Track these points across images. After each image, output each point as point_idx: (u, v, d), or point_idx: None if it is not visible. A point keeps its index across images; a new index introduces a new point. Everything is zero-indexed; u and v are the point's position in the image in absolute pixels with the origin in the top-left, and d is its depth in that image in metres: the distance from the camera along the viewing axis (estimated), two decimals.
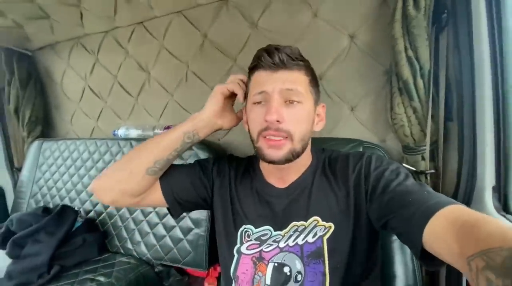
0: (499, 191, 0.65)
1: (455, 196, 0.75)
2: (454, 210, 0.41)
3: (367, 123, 0.99)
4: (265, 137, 0.55)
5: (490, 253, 0.30)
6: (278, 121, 0.54)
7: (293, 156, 0.56)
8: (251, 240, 0.62)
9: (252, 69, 0.60)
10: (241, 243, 0.63)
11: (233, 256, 0.63)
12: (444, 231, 0.38)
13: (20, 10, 1.28)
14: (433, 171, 0.80)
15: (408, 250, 0.78)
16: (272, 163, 0.57)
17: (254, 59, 0.59)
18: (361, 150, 0.88)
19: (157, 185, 0.66)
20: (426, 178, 0.81)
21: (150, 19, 1.28)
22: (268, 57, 0.56)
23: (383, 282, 0.74)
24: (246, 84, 0.63)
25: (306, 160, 0.65)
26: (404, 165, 0.85)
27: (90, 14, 1.30)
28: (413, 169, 0.82)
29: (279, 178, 0.64)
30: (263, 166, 0.68)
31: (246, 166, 0.71)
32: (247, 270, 0.61)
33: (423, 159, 0.83)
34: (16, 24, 1.40)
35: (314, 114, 0.60)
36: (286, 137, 0.55)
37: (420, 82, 0.77)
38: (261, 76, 0.57)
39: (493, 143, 0.66)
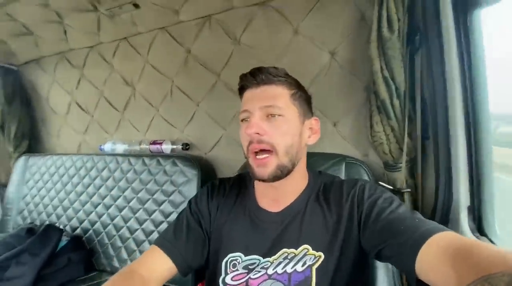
0: (474, 212, 0.66)
1: (433, 215, 0.75)
2: (446, 237, 0.41)
3: (350, 139, 1.00)
4: (253, 154, 0.57)
5: (492, 279, 0.29)
6: (258, 133, 0.55)
7: (282, 172, 0.56)
8: (237, 270, 0.61)
9: (240, 90, 0.64)
10: (226, 274, 0.62)
11: None
12: (437, 258, 0.39)
13: (3, 27, 1.27)
14: (408, 190, 0.81)
15: (392, 270, 0.78)
16: (262, 181, 0.58)
17: (240, 81, 0.62)
18: (344, 165, 0.89)
19: (167, 268, 0.60)
20: (403, 196, 0.82)
21: (134, 35, 1.28)
22: (251, 76, 0.59)
23: None
24: None
25: (301, 182, 0.64)
26: (381, 183, 0.85)
27: (73, 30, 1.30)
28: (391, 187, 0.83)
29: (273, 200, 0.63)
30: (256, 186, 0.67)
31: (239, 188, 0.70)
32: None
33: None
34: (0, 41, 1.39)
35: (301, 127, 0.60)
36: (271, 152, 0.56)
37: (396, 102, 0.78)
38: (246, 95, 0.61)
39: (466, 161, 0.66)
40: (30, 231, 1.15)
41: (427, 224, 0.46)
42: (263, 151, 0.56)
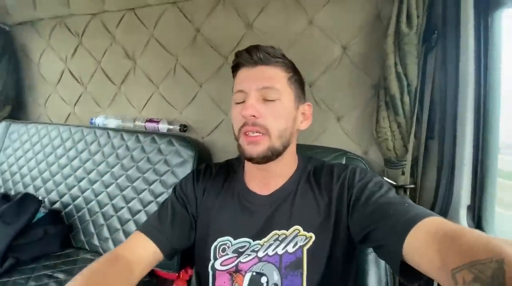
0: (474, 211, 0.67)
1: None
2: (434, 222, 0.41)
3: (352, 135, 1.00)
4: (245, 134, 0.56)
5: (479, 266, 0.29)
6: (254, 116, 0.54)
7: (272, 153, 0.56)
8: (227, 254, 0.59)
9: (234, 68, 0.62)
10: (215, 259, 0.60)
11: (208, 273, 0.60)
12: (424, 242, 0.38)
13: None
14: (412, 185, 0.82)
15: (382, 263, 0.78)
16: (251, 160, 0.57)
17: (235, 58, 0.60)
18: (344, 160, 0.89)
19: (152, 252, 0.58)
20: (405, 192, 0.82)
21: (142, 6, 1.23)
22: (247, 54, 0.57)
23: None
24: None
25: (290, 165, 0.64)
26: (385, 178, 0.86)
27: None
28: (394, 182, 0.83)
29: (263, 183, 0.63)
30: (246, 169, 0.66)
31: (227, 172, 0.69)
32: (224, 282, 0.59)
33: (403, 173, 0.84)
34: None
35: (295, 112, 0.60)
36: (264, 134, 0.55)
37: (406, 98, 0.78)
38: (240, 74, 0.59)
39: (471, 163, 0.67)
40: (5, 197, 1.07)
41: (416, 208, 0.46)
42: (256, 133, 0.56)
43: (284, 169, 0.63)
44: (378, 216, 0.48)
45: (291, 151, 0.63)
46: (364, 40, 0.94)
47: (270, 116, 0.55)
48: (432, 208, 0.76)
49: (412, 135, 0.80)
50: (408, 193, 0.82)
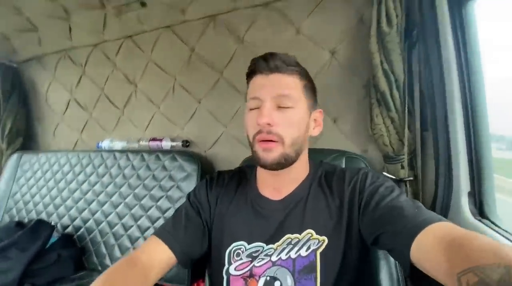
0: (474, 197, 0.67)
1: (434, 203, 0.76)
2: (443, 227, 0.41)
3: (349, 135, 1.02)
4: (259, 141, 0.56)
5: (486, 270, 0.30)
6: (269, 124, 0.54)
7: (285, 160, 0.56)
8: (241, 259, 0.60)
9: (249, 75, 0.61)
10: (229, 264, 0.60)
11: (222, 278, 0.60)
12: (432, 247, 0.39)
13: (8, 22, 1.28)
14: (411, 178, 0.82)
15: (392, 260, 0.78)
16: (265, 167, 0.57)
17: (250, 65, 0.60)
18: (344, 160, 0.90)
19: (166, 255, 0.59)
20: (406, 185, 0.83)
21: (139, 33, 1.30)
22: (263, 61, 0.57)
23: None
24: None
25: (302, 171, 0.64)
26: (385, 173, 0.87)
27: (78, 28, 1.32)
28: (393, 177, 0.84)
29: (275, 188, 0.63)
30: (258, 175, 0.66)
31: (239, 179, 0.69)
32: None
33: (402, 167, 0.85)
34: (3, 36, 1.40)
35: (308, 119, 0.60)
36: (278, 142, 0.55)
37: (396, 93, 0.81)
38: (256, 81, 0.58)
39: (465, 150, 0.68)
40: (20, 224, 1.10)
41: (425, 213, 0.46)
42: (270, 141, 0.56)
43: (297, 174, 0.63)
44: (387, 220, 0.48)
45: (304, 157, 0.63)
46: (350, 43, 0.98)
47: (284, 124, 0.55)
48: (435, 198, 0.76)
49: (406, 129, 0.82)
50: (408, 185, 0.83)
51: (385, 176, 0.86)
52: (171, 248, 0.59)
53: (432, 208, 0.76)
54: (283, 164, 0.56)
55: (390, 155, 0.86)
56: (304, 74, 0.61)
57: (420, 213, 0.46)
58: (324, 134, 1.05)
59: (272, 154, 0.55)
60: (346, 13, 0.97)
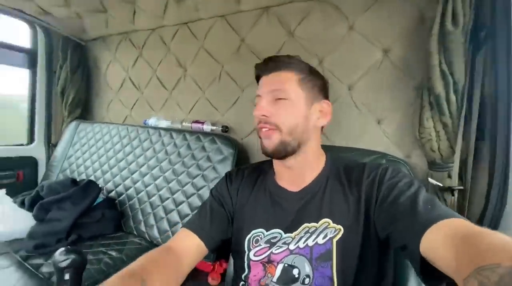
0: None
1: (481, 218, 0.71)
2: (455, 223, 0.41)
3: (393, 138, 0.98)
4: (260, 130, 0.62)
5: (485, 271, 0.28)
6: (264, 115, 0.60)
7: (285, 148, 0.60)
8: (259, 245, 0.63)
9: (257, 78, 0.68)
10: (249, 250, 0.64)
11: (244, 263, 0.64)
12: (442, 243, 0.38)
13: (83, 2, 1.44)
14: (461, 187, 0.77)
15: None
16: (268, 154, 0.62)
17: (255, 70, 0.68)
18: (384, 162, 0.87)
19: (196, 244, 0.64)
20: (453, 194, 0.78)
21: (194, 20, 1.38)
22: (263, 65, 0.65)
23: None
24: None
25: (315, 162, 0.66)
26: (430, 179, 0.83)
27: (142, 12, 1.44)
28: (440, 184, 0.80)
29: (291, 180, 0.66)
30: (275, 168, 0.70)
31: (258, 173, 0.73)
32: (257, 273, 0.63)
33: (449, 176, 0.80)
34: (77, 15, 1.56)
35: (307, 110, 0.62)
36: (275, 129, 0.60)
37: (452, 97, 0.76)
38: (260, 82, 0.66)
39: None
40: (74, 182, 1.24)
41: (439, 209, 0.45)
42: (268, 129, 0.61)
43: (309, 166, 0.65)
44: (401, 215, 0.49)
45: (313, 147, 0.65)
46: (406, 42, 0.95)
47: (279, 114, 0.60)
48: (483, 212, 0.71)
49: (460, 136, 0.77)
50: (456, 195, 0.78)
51: (429, 181, 0.83)
52: (200, 236, 0.64)
53: (480, 222, 0.71)
54: (283, 150, 0.60)
55: (437, 162, 0.82)
56: (304, 69, 0.64)
57: (434, 208, 0.46)
58: (367, 134, 1.04)
59: (270, 141, 0.60)
60: (406, 10, 0.94)
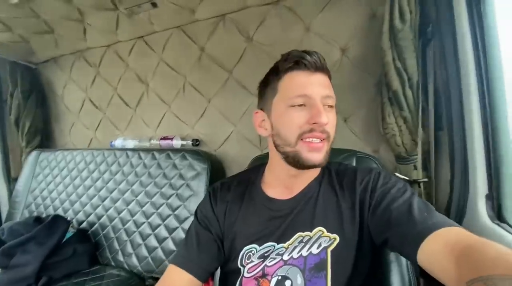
0: (492, 200, 0.64)
1: (449, 205, 0.74)
2: (453, 232, 0.41)
3: (360, 134, 1.00)
4: (305, 140, 0.55)
5: (496, 280, 0.29)
6: (326, 124, 0.54)
7: (327, 158, 0.57)
8: (252, 261, 0.60)
9: (288, 69, 0.57)
10: (242, 266, 0.61)
11: (236, 280, 0.61)
12: (441, 253, 0.38)
13: (26, 25, 1.33)
14: (426, 179, 0.80)
15: (403, 261, 0.76)
16: (311, 167, 0.56)
17: (291, 60, 0.56)
18: (354, 160, 0.88)
19: (188, 281, 0.61)
20: (420, 186, 0.81)
21: (150, 33, 1.33)
22: (308, 56, 0.55)
23: None
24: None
25: (316, 169, 0.64)
26: (397, 174, 0.84)
27: (93, 29, 1.36)
28: (407, 178, 0.82)
29: (287, 188, 0.63)
30: (269, 176, 0.66)
31: (245, 183, 0.69)
32: None
33: (415, 168, 0.83)
34: (23, 39, 1.45)
35: None
36: (327, 140, 0.56)
37: (409, 92, 0.78)
38: (299, 77, 0.56)
39: (483, 151, 0.65)
40: (38, 220, 1.15)
41: (435, 217, 0.45)
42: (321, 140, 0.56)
43: (311, 172, 0.62)
44: (397, 222, 0.48)
45: None
46: (362, 40, 0.96)
47: (332, 124, 0.57)
48: (449, 200, 0.74)
49: (419, 129, 0.79)
50: (422, 187, 0.80)
51: (397, 176, 0.84)
52: (190, 272, 0.60)
53: (447, 211, 0.74)
54: (326, 161, 0.57)
55: (402, 155, 0.84)
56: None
57: (430, 216, 0.46)
58: (335, 134, 1.04)
59: (321, 154, 0.55)
60: (358, 9, 0.95)
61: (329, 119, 0.54)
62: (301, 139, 0.55)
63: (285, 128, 0.57)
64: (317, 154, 0.55)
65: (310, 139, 0.54)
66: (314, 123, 0.53)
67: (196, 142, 1.26)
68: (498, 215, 0.63)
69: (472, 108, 0.66)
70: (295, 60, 0.56)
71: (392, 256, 0.76)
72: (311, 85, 0.55)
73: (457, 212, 0.71)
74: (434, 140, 0.81)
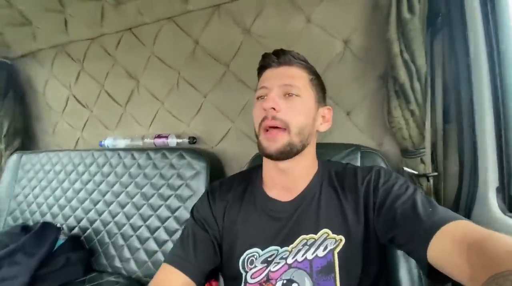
0: (503, 192, 0.65)
1: (457, 198, 0.74)
2: (460, 227, 0.40)
3: (364, 128, 0.98)
4: (264, 130, 0.56)
5: (499, 279, 0.28)
6: (274, 109, 0.55)
7: (291, 149, 0.55)
8: (255, 266, 0.58)
9: (260, 70, 0.64)
10: (245, 272, 0.59)
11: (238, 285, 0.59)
12: (451, 249, 0.38)
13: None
14: (435, 173, 0.79)
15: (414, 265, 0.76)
16: (270, 157, 0.57)
17: (261, 60, 0.63)
18: (359, 154, 0.86)
19: (182, 281, 0.58)
20: (428, 180, 0.80)
21: (139, 25, 1.24)
22: (273, 56, 0.60)
23: None
24: None
25: (311, 167, 0.63)
26: (405, 168, 0.83)
27: (75, 21, 1.26)
28: (415, 172, 0.81)
29: (284, 187, 0.62)
30: (266, 175, 0.65)
31: (245, 184, 0.67)
32: None
33: (422, 162, 0.82)
34: None
35: (315, 112, 0.60)
36: (284, 129, 0.55)
37: (417, 85, 0.76)
38: (265, 74, 0.61)
39: (494, 143, 0.65)
40: (25, 228, 1.07)
41: (440, 212, 0.45)
42: (275, 128, 0.56)
43: (305, 171, 0.62)
44: (403, 219, 0.48)
45: (311, 152, 0.63)
46: (365, 32, 0.93)
47: (290, 111, 0.56)
48: (459, 194, 0.73)
49: (428, 122, 0.78)
50: (431, 181, 0.80)
51: (404, 170, 0.84)
52: (185, 272, 0.58)
53: (456, 204, 0.74)
54: (288, 152, 0.56)
55: (409, 149, 0.83)
56: (312, 70, 0.63)
57: (434, 211, 0.46)
58: (337, 127, 1.02)
59: (276, 143, 0.55)
60: None
61: (282, 106, 0.55)
62: (262, 129, 0.57)
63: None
64: (272, 143, 0.55)
65: (266, 128, 0.56)
66: (264, 110, 0.56)
67: (193, 140, 1.21)
68: (509, 207, 0.64)
69: (483, 101, 0.66)
70: (262, 61, 0.62)
71: (400, 254, 0.76)
72: (271, 78, 0.59)
73: (466, 205, 0.71)
74: (442, 134, 0.80)
